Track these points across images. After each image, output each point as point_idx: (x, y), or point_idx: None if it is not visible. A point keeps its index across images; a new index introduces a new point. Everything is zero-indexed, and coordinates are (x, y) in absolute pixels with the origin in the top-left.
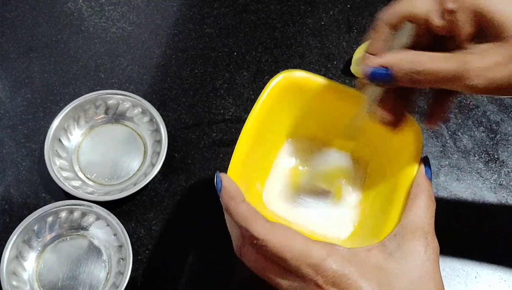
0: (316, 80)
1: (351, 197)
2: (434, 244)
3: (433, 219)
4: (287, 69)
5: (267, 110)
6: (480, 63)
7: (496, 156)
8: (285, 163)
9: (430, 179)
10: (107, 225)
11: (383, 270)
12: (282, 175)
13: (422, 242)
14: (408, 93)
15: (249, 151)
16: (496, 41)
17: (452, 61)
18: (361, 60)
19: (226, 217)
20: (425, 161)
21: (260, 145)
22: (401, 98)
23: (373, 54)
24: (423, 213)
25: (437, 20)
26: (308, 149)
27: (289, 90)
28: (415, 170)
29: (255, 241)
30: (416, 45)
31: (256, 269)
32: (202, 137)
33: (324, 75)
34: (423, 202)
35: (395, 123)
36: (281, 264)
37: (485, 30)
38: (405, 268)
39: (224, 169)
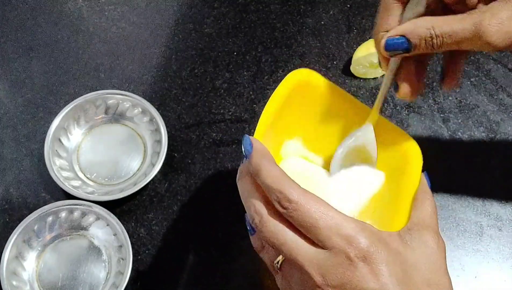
0: (333, 88)
1: (366, 186)
2: (443, 243)
3: (438, 223)
4: (287, 69)
5: (282, 102)
6: (494, 18)
7: (496, 156)
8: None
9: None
10: (107, 225)
11: (402, 256)
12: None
13: (434, 239)
14: (422, 61)
15: (272, 122)
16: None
17: (467, 21)
18: (378, 40)
19: (246, 182)
20: (425, 175)
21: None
22: (418, 67)
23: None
24: (431, 215)
25: None
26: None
27: (305, 88)
28: (418, 179)
29: (286, 204)
30: (427, 15)
31: (276, 239)
32: (202, 137)
33: (324, 75)
34: (429, 205)
35: (413, 93)
36: (310, 231)
37: None
38: (422, 258)
39: (225, 169)
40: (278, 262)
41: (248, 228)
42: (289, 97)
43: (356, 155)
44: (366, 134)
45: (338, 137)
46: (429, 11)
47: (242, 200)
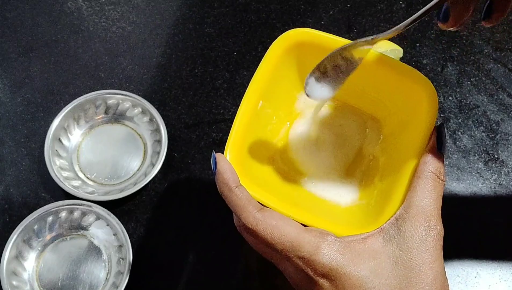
0: (327, 36)
1: (363, 164)
2: (437, 229)
3: (440, 200)
4: None
5: (273, 68)
6: None
7: (496, 156)
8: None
9: (442, 153)
10: (107, 225)
11: (379, 257)
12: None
13: (424, 227)
14: None
15: (252, 118)
16: None
17: None
18: None
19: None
20: (438, 131)
21: (269, 102)
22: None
23: None
24: (427, 195)
25: None
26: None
27: (297, 47)
28: (424, 143)
29: (247, 229)
30: None
31: (254, 247)
32: (202, 137)
33: None
34: (428, 183)
35: (460, 25)
36: (274, 252)
37: None
38: (405, 255)
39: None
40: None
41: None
42: (284, 59)
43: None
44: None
45: (347, 91)
46: None
47: None
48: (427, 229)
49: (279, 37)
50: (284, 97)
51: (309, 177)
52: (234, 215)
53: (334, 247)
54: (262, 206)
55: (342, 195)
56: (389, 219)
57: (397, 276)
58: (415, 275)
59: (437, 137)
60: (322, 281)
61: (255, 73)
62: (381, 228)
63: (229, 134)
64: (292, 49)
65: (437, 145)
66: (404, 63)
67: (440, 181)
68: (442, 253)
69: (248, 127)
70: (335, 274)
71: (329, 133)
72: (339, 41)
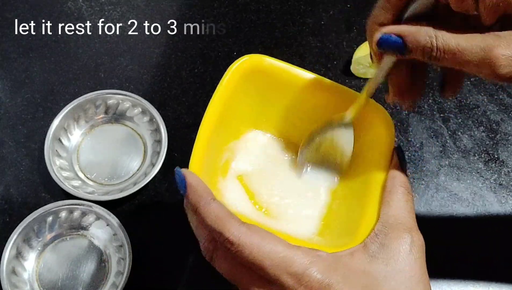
0: (283, 67)
1: (320, 192)
2: (419, 241)
3: (414, 212)
4: None
5: (230, 94)
6: (509, 50)
7: (496, 156)
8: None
9: (405, 170)
10: (107, 225)
11: (368, 274)
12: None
13: (407, 239)
14: (421, 67)
15: (210, 139)
16: None
17: (477, 42)
18: (371, 32)
19: (191, 218)
20: (398, 151)
21: (222, 132)
22: (414, 73)
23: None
24: (403, 208)
25: (454, 4)
26: (270, 144)
27: (253, 75)
28: (388, 161)
29: (229, 246)
30: (429, 16)
31: (229, 276)
32: None
33: (324, 75)
34: (401, 196)
35: (403, 100)
36: (258, 272)
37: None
38: (391, 270)
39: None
40: None
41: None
42: (241, 86)
43: (326, 155)
44: (342, 136)
45: (309, 122)
46: (434, 15)
47: None
48: (411, 242)
49: (237, 61)
50: (234, 128)
51: (265, 211)
52: (204, 242)
53: (327, 262)
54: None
55: (306, 225)
56: (368, 235)
57: None
58: None
59: (398, 156)
60: None
61: (213, 95)
62: (364, 243)
63: (191, 155)
64: (248, 75)
65: (400, 163)
66: (349, 90)
67: (410, 194)
68: (425, 264)
69: (206, 148)
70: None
71: (278, 166)
72: (293, 71)
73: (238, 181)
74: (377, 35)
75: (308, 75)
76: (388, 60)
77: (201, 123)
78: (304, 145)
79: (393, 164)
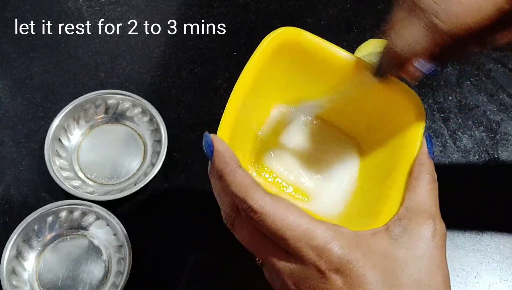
0: (320, 44)
1: (345, 173)
2: (442, 229)
3: (437, 201)
4: None
5: (262, 66)
6: None
7: (496, 156)
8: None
9: (433, 159)
10: (107, 225)
11: (388, 257)
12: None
13: (430, 227)
14: None
15: (239, 110)
16: None
17: None
18: (401, 54)
19: (215, 184)
20: (427, 139)
21: (251, 104)
22: None
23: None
24: (428, 195)
25: None
26: (298, 120)
27: (288, 48)
28: (417, 147)
29: (252, 214)
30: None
31: (248, 245)
32: (202, 137)
33: None
34: (427, 183)
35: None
36: (279, 243)
37: None
38: (412, 256)
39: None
40: (259, 260)
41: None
42: (273, 60)
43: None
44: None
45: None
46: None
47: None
48: (432, 229)
49: (272, 33)
50: (261, 102)
51: (288, 188)
52: (226, 209)
53: (349, 239)
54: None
55: (329, 204)
56: (391, 219)
57: (408, 276)
58: (426, 277)
59: (427, 143)
60: (334, 277)
61: (245, 66)
62: (387, 226)
63: (220, 123)
64: (282, 48)
65: (428, 150)
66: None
67: (436, 183)
68: (446, 252)
69: (236, 120)
70: (350, 269)
71: (308, 146)
72: (330, 47)
73: (263, 157)
74: (414, 65)
75: (345, 55)
76: None
77: (232, 92)
78: (327, 116)
79: (421, 150)
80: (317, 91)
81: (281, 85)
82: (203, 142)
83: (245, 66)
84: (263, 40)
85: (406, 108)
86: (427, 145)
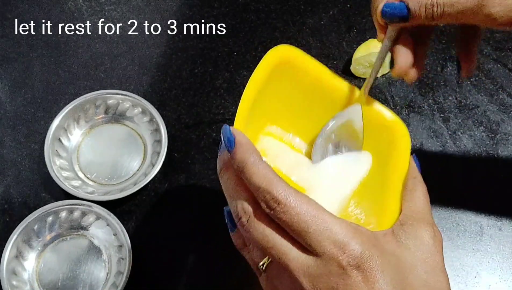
0: (315, 65)
1: (342, 182)
2: (439, 235)
3: (431, 211)
4: None
5: (259, 88)
6: None
7: (496, 156)
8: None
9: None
10: (107, 225)
11: (398, 258)
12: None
13: (430, 232)
14: (423, 40)
15: (252, 106)
16: None
17: None
18: (375, 6)
19: (230, 178)
20: (414, 157)
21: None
22: (417, 46)
23: None
24: (424, 205)
25: None
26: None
27: (286, 66)
28: (407, 164)
29: (274, 205)
30: None
31: (264, 240)
32: (202, 137)
33: None
34: (422, 194)
35: (410, 71)
36: (300, 235)
37: None
38: (417, 259)
39: None
40: (263, 264)
41: (229, 225)
42: (269, 78)
43: (342, 137)
44: (352, 115)
45: (324, 119)
46: None
47: (225, 195)
48: (433, 235)
49: (273, 49)
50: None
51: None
52: (242, 203)
53: (368, 238)
54: None
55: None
56: (394, 224)
57: (415, 276)
58: (432, 278)
59: (415, 161)
60: (355, 273)
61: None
62: (392, 229)
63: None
64: (279, 66)
65: (417, 166)
66: (372, 100)
67: (428, 195)
68: (444, 259)
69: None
70: (370, 266)
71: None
72: (322, 67)
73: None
74: (380, 5)
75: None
76: (392, 32)
77: (246, 87)
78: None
79: (411, 166)
80: (311, 115)
81: (279, 104)
82: (222, 135)
83: (249, 81)
84: (263, 59)
85: (394, 134)
86: (415, 162)
